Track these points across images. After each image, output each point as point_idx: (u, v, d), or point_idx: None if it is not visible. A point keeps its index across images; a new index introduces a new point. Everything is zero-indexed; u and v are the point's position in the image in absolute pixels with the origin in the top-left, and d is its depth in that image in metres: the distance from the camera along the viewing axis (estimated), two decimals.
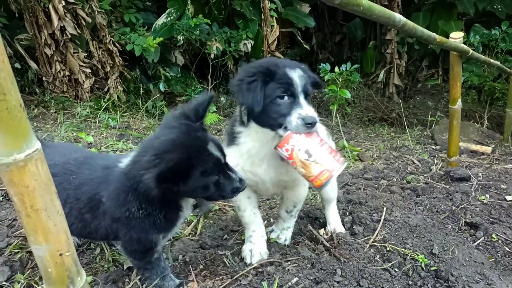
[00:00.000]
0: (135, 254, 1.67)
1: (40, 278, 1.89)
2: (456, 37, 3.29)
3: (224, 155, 1.54)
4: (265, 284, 1.68)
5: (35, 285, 1.84)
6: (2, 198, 2.69)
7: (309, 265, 1.84)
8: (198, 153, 1.42)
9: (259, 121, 1.72)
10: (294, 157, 1.65)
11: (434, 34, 2.79)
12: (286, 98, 1.64)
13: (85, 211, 1.60)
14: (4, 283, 1.86)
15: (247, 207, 2.03)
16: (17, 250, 2.10)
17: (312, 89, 1.74)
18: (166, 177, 1.34)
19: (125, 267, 1.97)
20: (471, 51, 3.46)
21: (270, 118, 1.67)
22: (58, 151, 1.83)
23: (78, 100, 6.48)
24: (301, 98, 1.66)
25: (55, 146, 2.10)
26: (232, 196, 1.60)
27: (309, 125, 1.61)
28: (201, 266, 1.90)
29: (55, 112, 6.13)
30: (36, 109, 6.17)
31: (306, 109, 1.63)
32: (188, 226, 2.42)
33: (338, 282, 1.73)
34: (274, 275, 1.74)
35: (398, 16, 2.26)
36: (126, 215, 1.53)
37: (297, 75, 1.66)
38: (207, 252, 2.07)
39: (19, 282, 1.85)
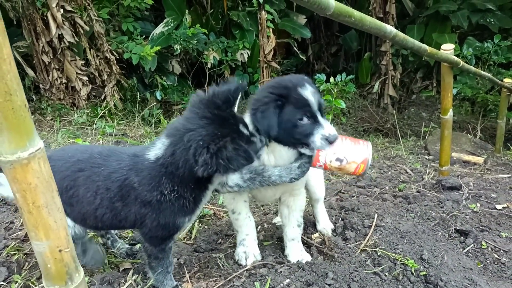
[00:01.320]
0: (155, 241, 1.70)
1: (37, 279, 1.91)
2: (447, 48, 3.37)
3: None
4: (257, 285, 1.71)
5: (32, 285, 1.85)
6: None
7: (301, 268, 1.87)
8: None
9: (280, 142, 1.79)
10: (330, 168, 1.81)
11: (425, 45, 2.87)
12: (305, 119, 1.70)
13: (116, 200, 1.65)
14: (2, 283, 1.88)
15: (242, 210, 2.06)
16: (14, 252, 2.12)
17: (323, 102, 1.80)
18: (217, 163, 1.43)
19: (120, 269, 1.99)
20: (462, 62, 3.54)
21: (293, 139, 1.74)
22: (77, 149, 1.88)
23: (75, 108, 6.52)
24: (319, 116, 1.72)
25: (71, 147, 2.19)
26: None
27: (332, 142, 1.70)
28: (195, 269, 1.92)
29: (51, 119, 6.15)
30: (32, 116, 6.16)
31: (327, 128, 1.70)
32: (183, 230, 2.45)
33: (329, 285, 1.76)
34: (267, 277, 1.76)
35: (389, 27, 2.33)
36: (157, 199, 1.59)
37: (310, 93, 1.71)
38: (202, 255, 2.10)
39: (16, 282, 1.87)
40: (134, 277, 1.83)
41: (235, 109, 1.62)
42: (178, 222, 1.65)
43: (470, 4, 7.91)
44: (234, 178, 1.84)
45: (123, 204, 1.65)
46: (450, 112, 3.56)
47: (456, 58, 3.44)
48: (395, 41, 2.42)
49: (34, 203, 1.15)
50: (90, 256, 2.01)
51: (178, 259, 2.03)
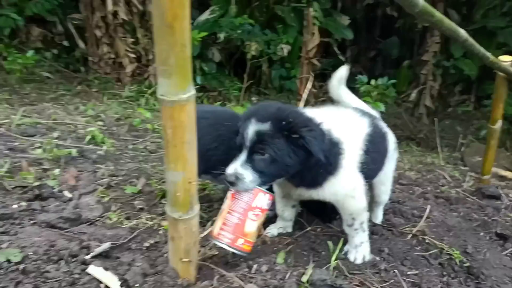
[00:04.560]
0: None
1: (126, 218, 2.18)
2: (507, 60, 3.41)
3: (251, 145, 1.72)
4: (330, 244, 1.90)
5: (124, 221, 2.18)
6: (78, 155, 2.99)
7: None
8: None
9: None
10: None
11: (489, 53, 2.95)
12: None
13: None
14: (99, 218, 2.11)
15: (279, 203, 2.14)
16: (103, 195, 2.36)
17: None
18: None
19: None
20: None
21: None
22: None
23: (119, 83, 6.76)
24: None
25: None
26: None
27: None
28: None
29: (97, 91, 6.40)
30: (79, 86, 6.43)
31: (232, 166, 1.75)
32: None
33: (384, 259, 1.88)
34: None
35: (462, 31, 2.44)
36: None
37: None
38: None
39: (111, 219, 2.15)
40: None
41: None
42: None
43: None
44: None
45: None
46: (499, 123, 3.60)
47: None
48: (465, 45, 2.52)
49: (181, 138, 1.37)
50: None
51: None
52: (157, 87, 1.37)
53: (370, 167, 1.93)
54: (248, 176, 1.66)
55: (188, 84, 1.36)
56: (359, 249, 1.97)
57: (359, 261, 1.95)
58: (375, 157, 1.97)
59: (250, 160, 1.68)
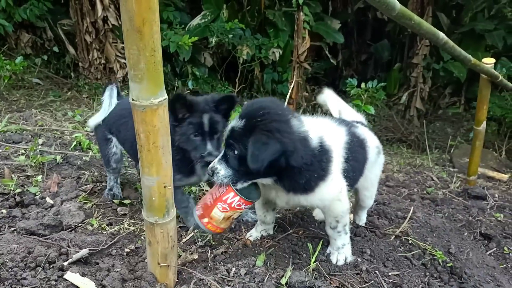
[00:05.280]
0: None
1: (108, 224, 2.18)
2: (488, 62, 3.44)
3: (212, 128, 2.01)
4: (310, 246, 1.91)
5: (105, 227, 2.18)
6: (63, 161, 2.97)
7: None
8: (195, 111, 1.99)
9: None
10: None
11: (470, 56, 2.97)
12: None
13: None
14: (80, 224, 2.12)
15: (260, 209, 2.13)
16: (85, 201, 2.37)
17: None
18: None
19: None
20: (500, 77, 3.60)
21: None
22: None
23: None
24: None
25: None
26: (197, 160, 2.00)
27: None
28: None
29: (87, 97, 6.38)
30: (69, 92, 6.42)
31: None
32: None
33: (367, 260, 1.89)
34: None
35: (442, 34, 2.47)
36: None
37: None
38: None
39: (92, 225, 2.15)
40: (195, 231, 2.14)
41: None
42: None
43: (507, 25, 7.87)
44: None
45: None
46: (484, 124, 3.63)
47: (496, 72, 3.51)
48: (445, 48, 2.54)
49: (154, 143, 1.39)
50: None
51: None
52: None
53: (349, 174, 1.93)
54: (221, 171, 1.72)
55: (160, 89, 1.36)
56: (341, 251, 1.98)
57: (341, 262, 1.96)
58: (353, 164, 1.96)
59: (226, 156, 1.73)
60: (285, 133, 1.62)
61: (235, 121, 1.69)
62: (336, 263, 1.95)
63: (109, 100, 2.44)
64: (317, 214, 2.44)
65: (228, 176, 1.71)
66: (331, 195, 1.85)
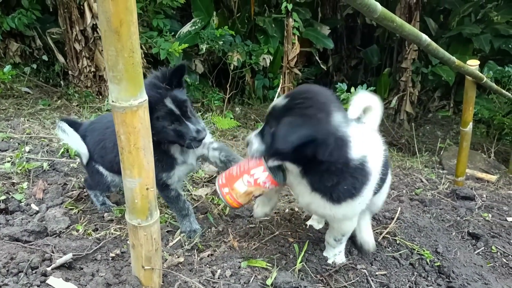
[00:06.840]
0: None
1: (94, 230, 2.16)
2: (473, 64, 3.49)
3: (182, 109, 1.88)
4: (296, 247, 1.90)
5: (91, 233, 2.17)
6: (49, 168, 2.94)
7: None
8: (155, 103, 1.81)
9: None
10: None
11: (454, 57, 3.00)
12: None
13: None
14: (65, 230, 2.11)
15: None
16: (71, 207, 2.35)
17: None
18: None
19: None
20: (485, 78, 3.65)
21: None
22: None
23: (100, 96, 6.73)
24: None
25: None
26: (190, 145, 1.93)
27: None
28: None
29: (77, 105, 6.35)
30: (59, 101, 6.38)
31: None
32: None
33: (354, 260, 1.89)
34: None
35: (424, 36, 2.49)
36: None
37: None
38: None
39: (77, 231, 2.14)
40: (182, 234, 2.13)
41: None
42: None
43: (493, 29, 8.00)
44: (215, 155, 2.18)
45: None
46: (470, 125, 3.67)
47: (480, 74, 3.56)
48: (428, 50, 2.57)
49: (135, 144, 1.38)
50: None
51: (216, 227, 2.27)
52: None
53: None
54: (255, 144, 1.72)
55: (139, 90, 1.36)
56: (337, 256, 2.03)
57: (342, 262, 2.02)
58: (379, 184, 1.82)
59: (263, 132, 1.71)
60: (320, 123, 1.53)
61: (279, 99, 1.66)
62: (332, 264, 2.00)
63: (67, 137, 2.31)
64: (314, 224, 2.35)
65: (260, 151, 1.70)
66: (351, 214, 1.80)
